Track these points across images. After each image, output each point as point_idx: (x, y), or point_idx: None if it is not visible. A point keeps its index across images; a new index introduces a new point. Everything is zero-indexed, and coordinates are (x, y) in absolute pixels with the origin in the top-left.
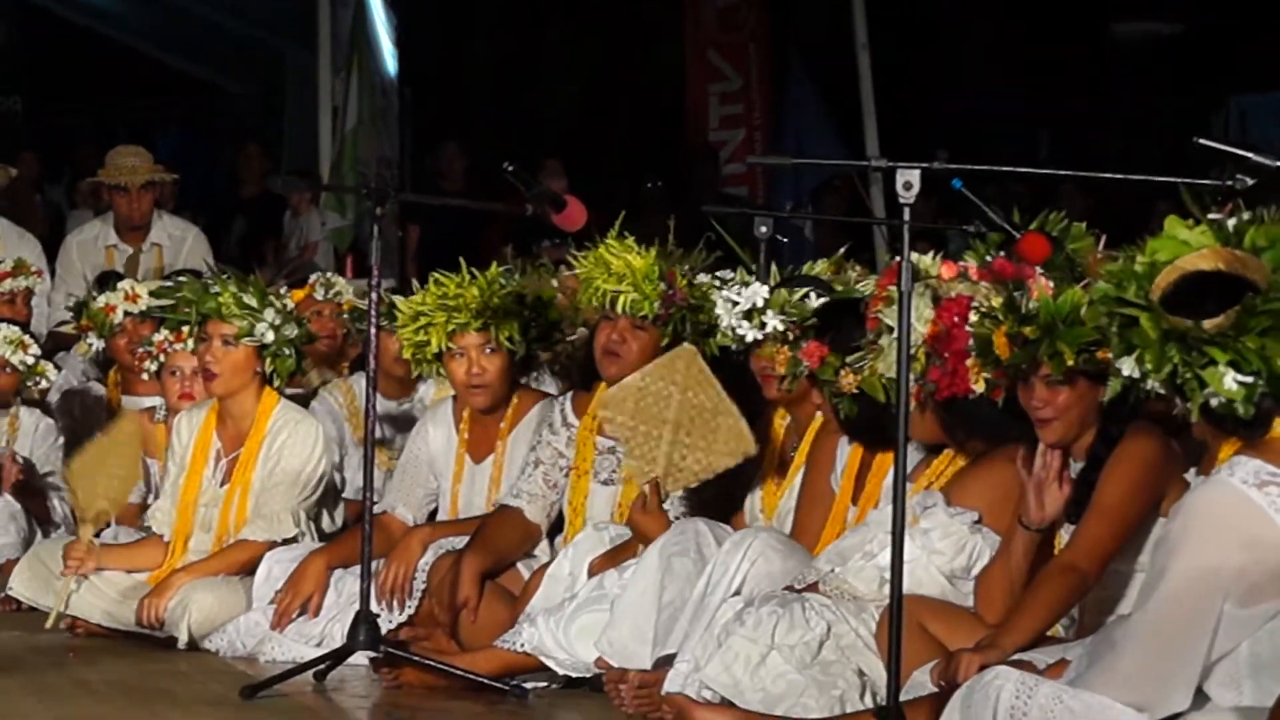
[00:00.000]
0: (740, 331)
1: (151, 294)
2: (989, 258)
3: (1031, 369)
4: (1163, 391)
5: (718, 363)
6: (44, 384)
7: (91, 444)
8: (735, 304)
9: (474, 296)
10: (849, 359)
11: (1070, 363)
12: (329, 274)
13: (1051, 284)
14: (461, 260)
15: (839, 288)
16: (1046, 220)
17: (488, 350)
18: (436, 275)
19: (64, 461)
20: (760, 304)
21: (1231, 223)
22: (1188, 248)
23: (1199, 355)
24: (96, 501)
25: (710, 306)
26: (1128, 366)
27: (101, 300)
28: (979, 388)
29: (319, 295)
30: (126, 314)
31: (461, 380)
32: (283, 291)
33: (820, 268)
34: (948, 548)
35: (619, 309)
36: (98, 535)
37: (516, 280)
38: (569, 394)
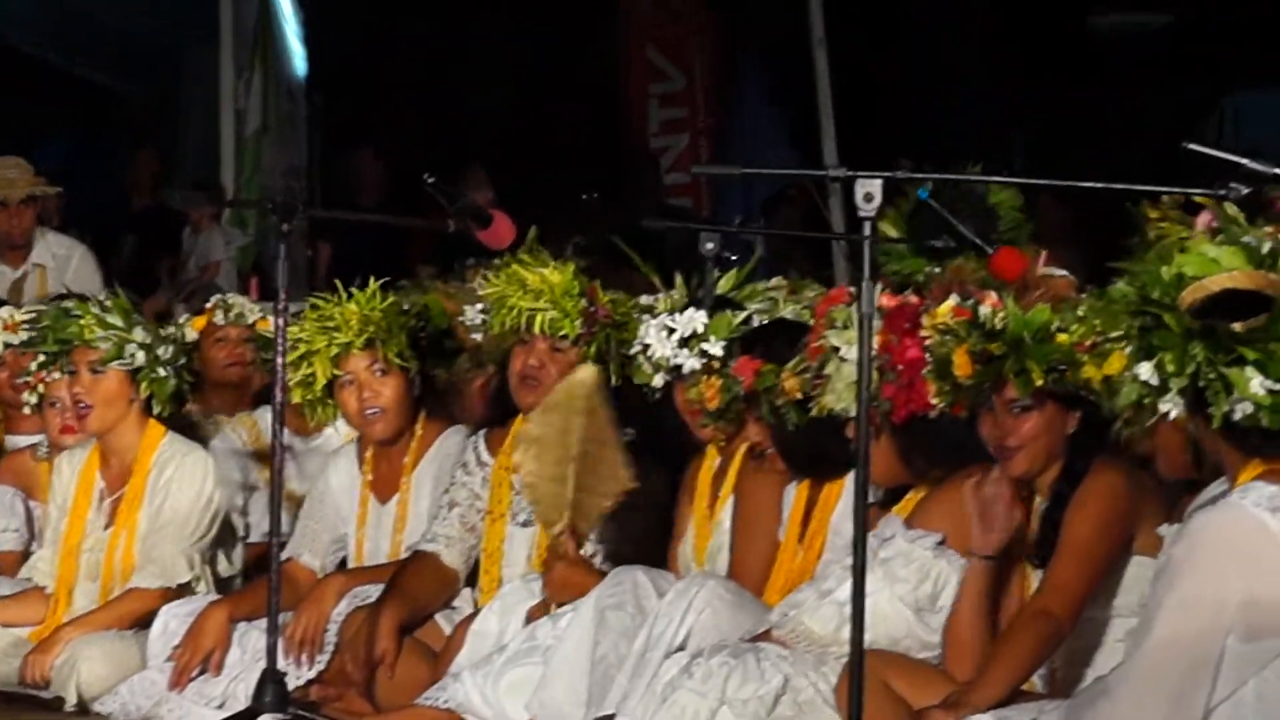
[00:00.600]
0: (678, 361)
1: (25, 322)
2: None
3: (995, 391)
4: (1176, 408)
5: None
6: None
7: None
8: (671, 330)
9: (353, 313)
10: (788, 366)
11: (1039, 382)
12: (228, 295)
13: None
14: (337, 282)
15: (790, 309)
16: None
17: (378, 372)
18: (312, 300)
19: None
20: (700, 329)
21: (1268, 246)
22: (1217, 266)
23: (1224, 354)
24: None
25: (634, 327)
26: (1146, 372)
27: None
28: (939, 402)
29: (219, 319)
30: (7, 345)
31: (355, 410)
32: (182, 320)
33: (769, 287)
34: (910, 575)
35: (537, 328)
36: None
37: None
38: (482, 430)
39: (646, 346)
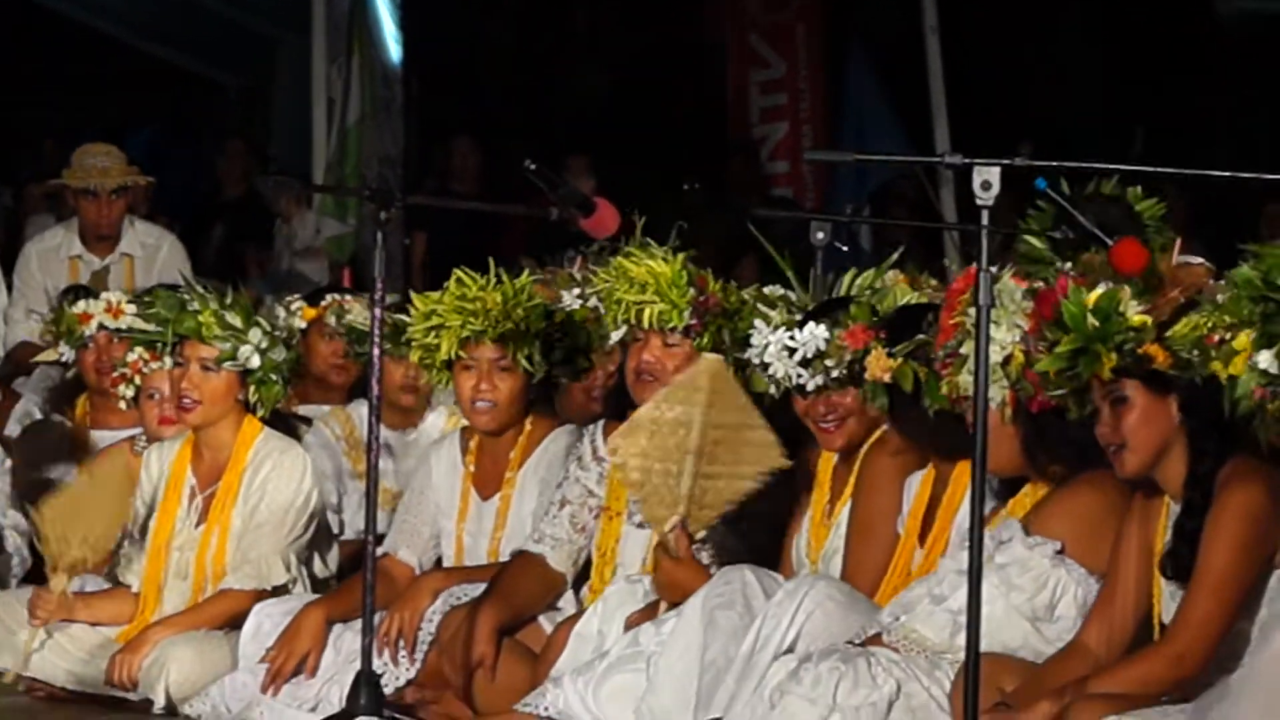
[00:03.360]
0: (800, 380)
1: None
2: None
3: (1090, 389)
4: None
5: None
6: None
7: (70, 485)
8: (791, 351)
9: (496, 304)
10: (895, 349)
11: (1109, 366)
12: (345, 296)
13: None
14: (490, 260)
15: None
16: (1124, 192)
17: (501, 366)
18: (459, 273)
19: (34, 504)
20: (822, 346)
21: None
22: None
23: None
24: (71, 550)
25: (748, 315)
26: (1266, 360)
27: (80, 306)
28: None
29: (331, 320)
30: (101, 327)
31: (467, 396)
32: (294, 306)
33: (878, 281)
34: (1027, 584)
35: (645, 323)
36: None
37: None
38: (599, 423)
39: (766, 364)
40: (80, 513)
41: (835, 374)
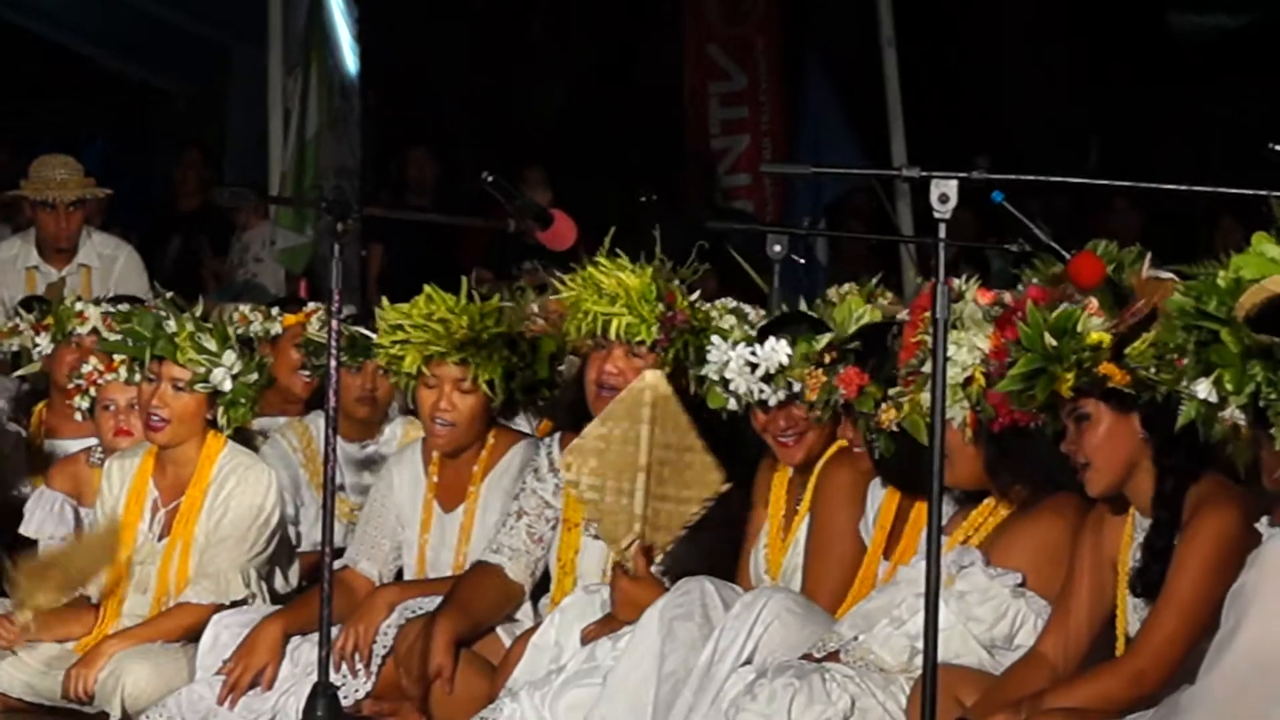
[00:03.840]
0: (763, 396)
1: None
2: (1033, 281)
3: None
4: (1241, 420)
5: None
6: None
7: (57, 548)
8: (753, 366)
9: (462, 326)
10: (890, 392)
11: (1066, 384)
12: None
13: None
14: (464, 279)
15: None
16: (1096, 247)
17: (463, 388)
18: (430, 290)
19: (10, 555)
20: (785, 362)
21: None
22: (1277, 266)
23: None
24: (37, 598)
25: (707, 339)
26: (1204, 390)
27: (79, 306)
28: (1042, 416)
29: (314, 327)
30: (94, 332)
31: (427, 412)
32: (274, 313)
33: (845, 294)
34: (987, 614)
35: (612, 334)
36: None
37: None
38: (556, 435)
39: (726, 380)
40: (57, 573)
41: (792, 393)
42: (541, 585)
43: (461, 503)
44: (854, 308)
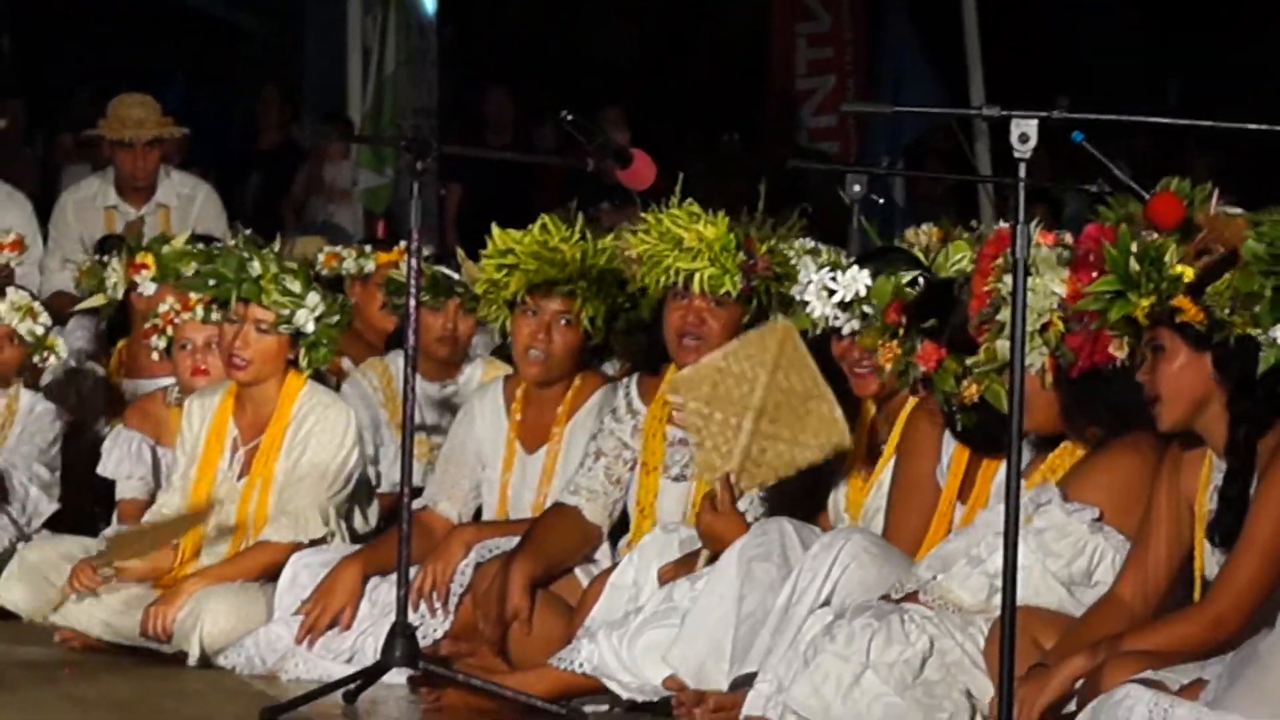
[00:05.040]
0: (836, 323)
1: (161, 261)
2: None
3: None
4: None
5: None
6: (52, 360)
7: (150, 524)
8: (831, 292)
9: (574, 258)
10: (969, 362)
11: (1141, 312)
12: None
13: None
14: (580, 215)
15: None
16: (1170, 185)
17: (563, 321)
18: (546, 219)
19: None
20: (862, 292)
21: None
22: None
23: None
24: (130, 562)
25: (794, 276)
26: None
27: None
28: (1121, 354)
29: (401, 267)
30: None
31: (523, 342)
32: (368, 250)
33: (922, 235)
34: (1065, 549)
35: (696, 288)
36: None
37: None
38: (634, 376)
39: (805, 302)
40: (148, 543)
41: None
42: (619, 527)
43: (544, 444)
44: (954, 252)
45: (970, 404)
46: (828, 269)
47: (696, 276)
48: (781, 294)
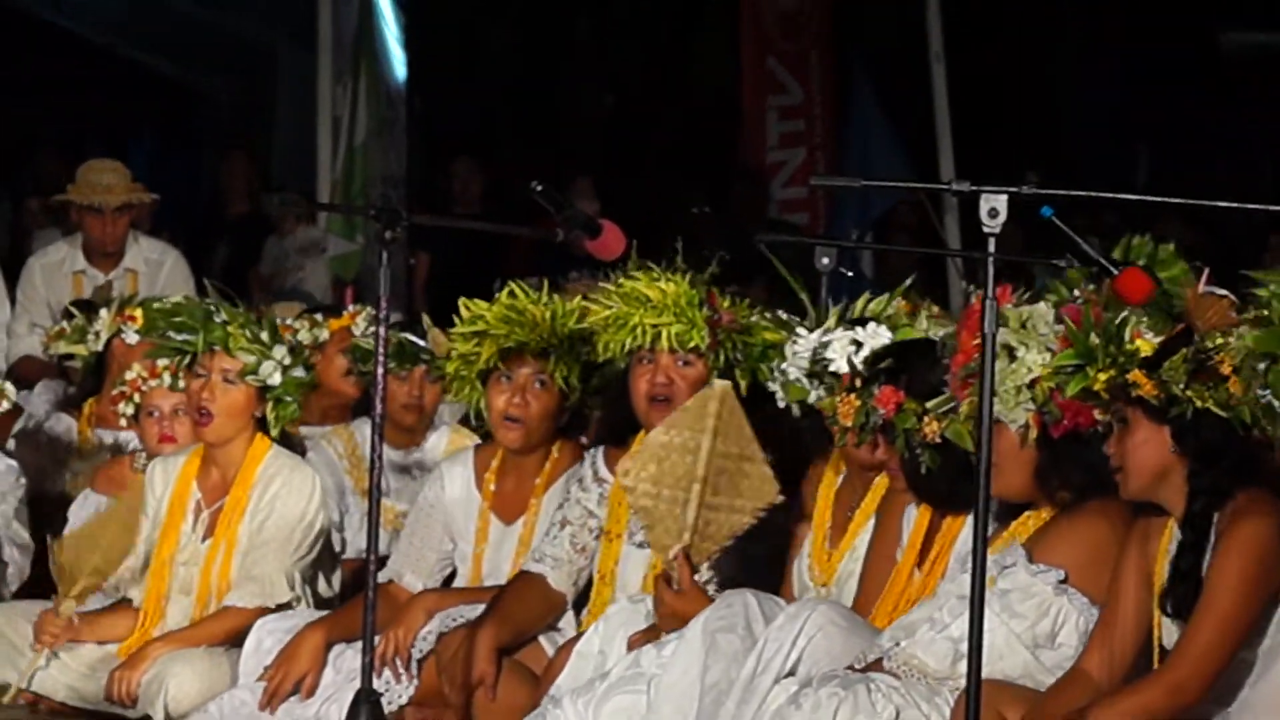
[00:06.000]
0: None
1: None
2: (1074, 294)
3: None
4: None
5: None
6: (3, 405)
7: (90, 520)
8: (858, 345)
9: (544, 318)
10: (929, 404)
11: (1098, 386)
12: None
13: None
14: (544, 280)
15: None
16: (1130, 246)
17: (538, 384)
18: (514, 285)
19: (54, 539)
20: (888, 344)
21: None
22: None
23: None
24: (83, 577)
25: (758, 333)
26: None
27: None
28: (1105, 418)
29: (358, 330)
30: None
31: (500, 409)
32: (319, 318)
33: (890, 307)
34: (1029, 611)
35: (664, 344)
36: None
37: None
38: (600, 448)
39: (823, 366)
40: (94, 544)
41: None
42: (584, 595)
43: (522, 515)
44: (918, 321)
45: (933, 443)
46: (842, 328)
47: (664, 333)
48: (747, 345)
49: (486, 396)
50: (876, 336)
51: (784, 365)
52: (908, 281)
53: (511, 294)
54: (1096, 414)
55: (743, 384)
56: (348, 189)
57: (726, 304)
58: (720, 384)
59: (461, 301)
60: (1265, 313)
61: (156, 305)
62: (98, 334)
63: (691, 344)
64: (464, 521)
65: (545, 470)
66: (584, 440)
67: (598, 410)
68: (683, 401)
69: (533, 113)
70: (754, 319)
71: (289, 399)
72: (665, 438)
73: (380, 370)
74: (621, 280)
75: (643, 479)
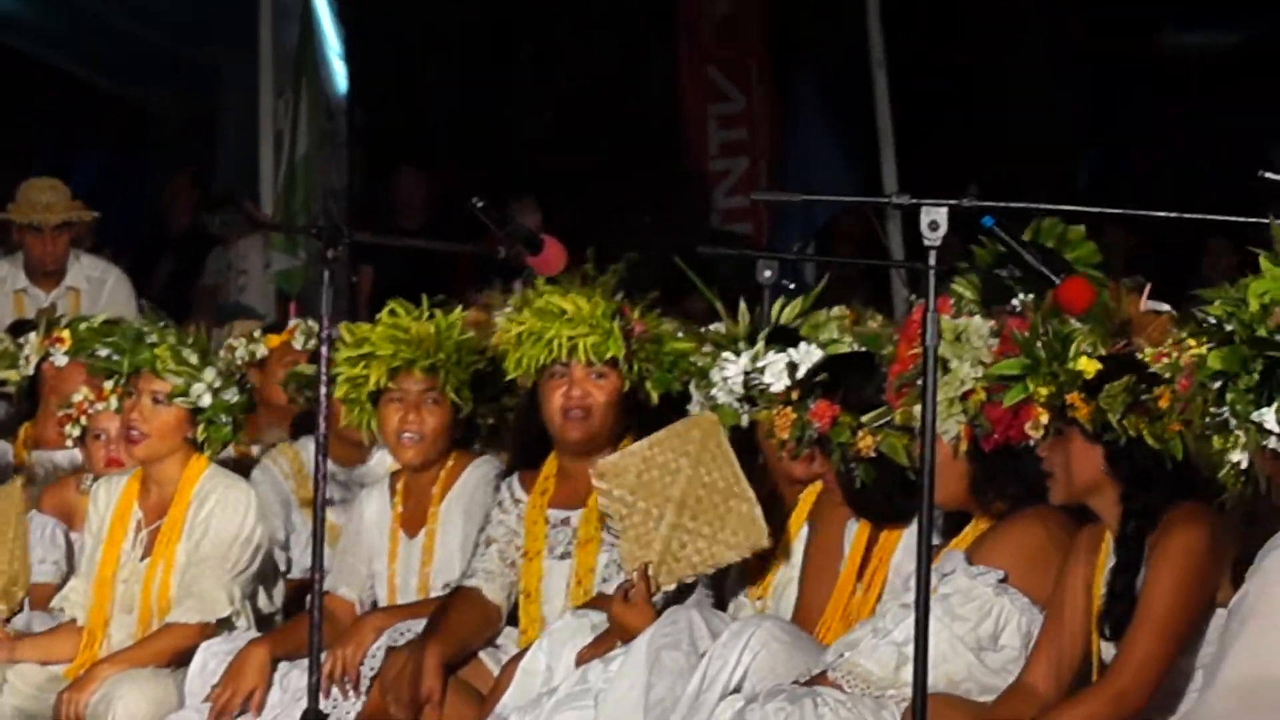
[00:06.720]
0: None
1: (78, 337)
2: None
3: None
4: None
5: (739, 441)
6: None
7: None
8: (794, 366)
9: (428, 334)
10: (864, 418)
11: (1039, 399)
12: (309, 320)
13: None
14: (424, 296)
15: (848, 340)
16: (1040, 230)
17: (430, 400)
18: (394, 304)
19: None
20: (814, 363)
21: None
22: None
23: None
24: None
25: (668, 342)
26: (1271, 420)
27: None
28: (1036, 434)
29: (298, 343)
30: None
31: (394, 428)
32: (256, 335)
33: (831, 317)
34: (971, 613)
35: (580, 356)
36: (8, 620)
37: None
38: (515, 474)
39: (756, 389)
40: None
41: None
42: (515, 615)
43: (423, 526)
44: (833, 331)
45: (867, 457)
46: (775, 350)
47: (580, 344)
48: (660, 355)
49: (379, 417)
50: (809, 355)
51: (712, 390)
52: (820, 285)
53: (393, 312)
54: (1029, 429)
55: (654, 395)
56: (290, 202)
57: (637, 314)
58: (708, 416)
59: (343, 326)
60: (1229, 328)
61: (85, 325)
62: (27, 358)
63: (609, 354)
64: (378, 539)
65: (441, 479)
66: (477, 447)
67: (491, 419)
68: (598, 414)
69: (474, 124)
70: (664, 328)
71: (222, 420)
72: (648, 452)
73: (323, 387)
74: (531, 295)
75: (620, 485)
